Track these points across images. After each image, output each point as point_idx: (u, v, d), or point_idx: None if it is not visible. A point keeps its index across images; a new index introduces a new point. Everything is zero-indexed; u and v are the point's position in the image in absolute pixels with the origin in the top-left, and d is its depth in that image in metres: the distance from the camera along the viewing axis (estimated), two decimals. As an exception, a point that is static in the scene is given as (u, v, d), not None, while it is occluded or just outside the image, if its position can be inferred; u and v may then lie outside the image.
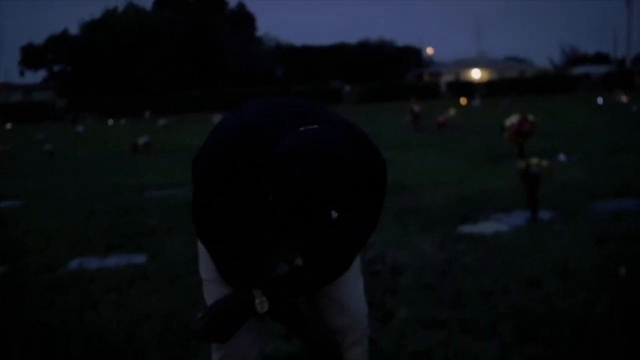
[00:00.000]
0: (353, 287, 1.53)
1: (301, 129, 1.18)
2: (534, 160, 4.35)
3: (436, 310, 2.66)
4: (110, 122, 28.92)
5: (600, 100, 19.72)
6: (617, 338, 2.27)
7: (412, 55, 56.42)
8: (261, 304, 1.38)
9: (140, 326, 2.69)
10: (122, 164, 10.02)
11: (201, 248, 1.52)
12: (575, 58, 58.66)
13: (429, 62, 59.98)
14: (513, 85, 35.83)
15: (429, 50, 68.75)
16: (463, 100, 27.72)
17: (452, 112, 15.34)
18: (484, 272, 3.15)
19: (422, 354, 2.24)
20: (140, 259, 3.85)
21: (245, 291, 1.41)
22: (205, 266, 1.52)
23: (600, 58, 57.84)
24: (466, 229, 4.16)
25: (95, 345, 2.53)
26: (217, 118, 21.95)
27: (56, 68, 52.32)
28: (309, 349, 1.45)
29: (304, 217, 1.10)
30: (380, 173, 1.32)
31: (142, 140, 11.91)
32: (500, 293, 2.83)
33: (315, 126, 1.19)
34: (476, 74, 48.24)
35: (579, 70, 43.08)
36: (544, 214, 4.36)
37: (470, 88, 36.43)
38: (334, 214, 1.09)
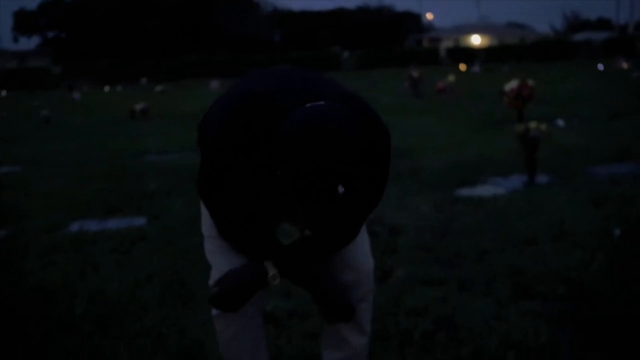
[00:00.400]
0: (360, 245, 1.55)
1: (308, 104, 1.19)
2: (533, 124, 4.34)
3: (434, 269, 2.70)
4: (107, 88, 28.66)
5: (600, 67, 19.55)
6: (610, 295, 2.32)
7: (412, 20, 55.60)
8: (274, 277, 1.40)
9: (142, 286, 2.73)
10: (120, 129, 9.97)
11: (203, 207, 1.54)
12: (577, 24, 57.91)
13: (429, 27, 59.17)
14: (513, 51, 35.42)
15: (429, 16, 67.79)
16: (462, 66, 27.46)
17: (451, 78, 15.22)
18: (482, 233, 3.18)
19: (419, 311, 2.28)
20: (140, 221, 3.87)
21: (253, 258, 1.42)
22: (207, 224, 1.54)
23: (602, 24, 57.06)
24: (464, 192, 4.18)
25: (97, 303, 2.57)
26: (214, 84, 21.77)
27: (50, 34, 51.55)
28: (321, 304, 1.47)
29: (311, 193, 1.12)
30: (385, 146, 1.34)
31: (139, 106, 11.83)
32: (497, 253, 2.87)
33: (322, 102, 1.20)
34: (476, 39, 47.64)
35: (580, 36, 42.58)
36: (542, 178, 4.38)
37: (470, 54, 36.04)
38: (341, 189, 1.11)
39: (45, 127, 11.55)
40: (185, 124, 9.82)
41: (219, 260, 1.48)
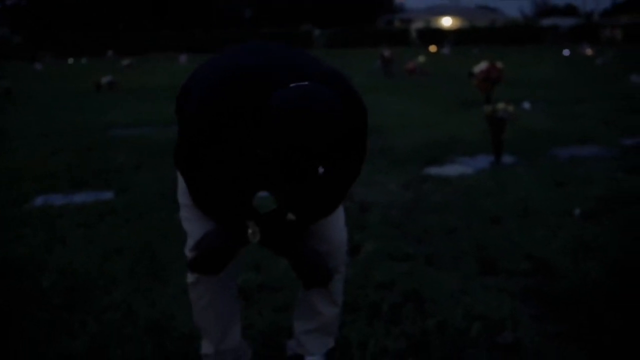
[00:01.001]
0: (335, 219, 1.58)
1: (293, 84, 1.19)
2: (501, 105, 4.43)
3: (402, 244, 2.76)
4: (71, 60, 27.80)
5: (566, 52, 19.96)
6: (571, 270, 2.42)
7: (384, 0, 55.40)
8: (254, 233, 1.40)
9: (111, 259, 2.71)
10: (85, 102, 9.73)
11: (179, 175, 1.53)
12: (545, 9, 58.74)
13: (400, 8, 59.10)
14: (483, 34, 35.78)
15: (401, -4, 67.49)
16: (433, 48, 27.62)
17: (421, 59, 15.30)
18: (449, 211, 3.26)
19: (387, 284, 2.34)
20: (108, 195, 3.82)
21: (231, 223, 1.43)
22: (183, 192, 1.54)
23: (569, 10, 58.04)
24: (433, 170, 4.25)
25: (66, 277, 2.54)
26: (183, 58, 21.37)
27: (9, 1, 49.37)
28: (299, 270, 1.49)
29: (292, 172, 1.14)
30: (364, 125, 1.36)
31: (105, 79, 11.55)
32: (463, 230, 2.95)
33: (307, 83, 1.20)
34: (447, 21, 47.85)
35: (548, 21, 43.22)
36: (507, 158, 4.49)
37: (440, 36, 36.23)
38: (320, 169, 1.13)
39: (4, 99, 11.16)
40: (154, 99, 9.65)
41: (195, 227, 1.48)
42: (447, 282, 2.36)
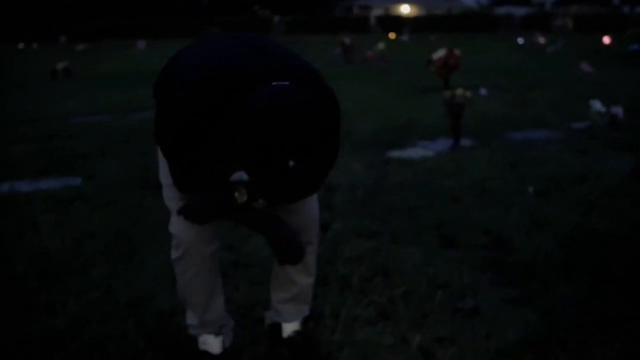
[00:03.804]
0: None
1: (274, 83, 1.27)
2: (459, 91, 4.62)
3: (368, 222, 2.90)
4: (21, 45, 26.80)
5: (520, 41, 20.50)
6: (524, 243, 2.61)
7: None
8: (241, 195, 1.48)
9: (85, 243, 2.75)
10: (40, 90, 9.48)
11: (160, 156, 1.60)
12: (499, -2, 59.83)
13: (359, -5, 59.09)
14: (440, 22, 36.32)
15: (359, -17, 67.48)
16: (392, 35, 27.88)
17: (381, 46, 15.48)
18: (411, 191, 3.42)
19: (355, 259, 2.47)
20: (75, 181, 3.82)
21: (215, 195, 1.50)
22: (165, 172, 1.61)
23: (523, 0, 59.35)
24: (394, 153, 4.42)
25: (40, 261, 2.57)
26: (141, 44, 20.91)
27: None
28: (273, 243, 1.59)
29: (264, 164, 1.22)
30: (336, 120, 1.44)
31: (61, 65, 11.25)
32: (425, 208, 3.12)
33: (287, 83, 1.28)
34: (405, 9, 48.30)
35: (502, 10, 44.16)
36: (465, 142, 4.70)
37: (399, 23, 36.58)
38: (291, 163, 1.22)
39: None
40: (113, 86, 9.49)
41: (179, 205, 1.56)
42: (412, 255, 2.51)
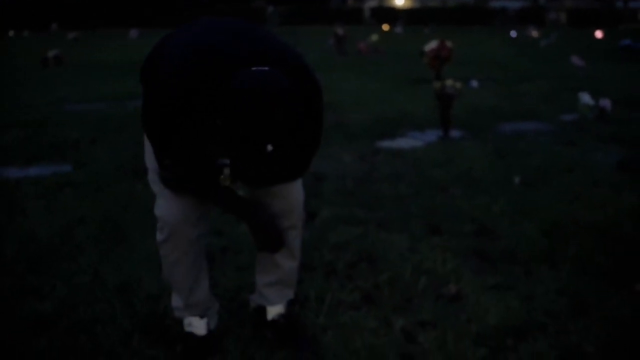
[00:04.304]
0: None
1: (254, 68, 1.29)
2: (449, 82, 4.65)
3: (355, 210, 2.93)
4: (11, 33, 26.53)
5: (513, 34, 20.53)
6: (508, 231, 2.65)
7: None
8: (225, 178, 1.50)
9: (74, 228, 2.76)
10: (32, 78, 9.42)
11: (146, 140, 1.62)
12: (494, -10, 59.71)
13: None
14: (434, 14, 36.30)
15: (354, -26, 67.13)
16: (386, 27, 27.83)
17: (374, 37, 15.47)
18: (400, 180, 3.45)
19: (341, 245, 2.51)
20: (65, 168, 3.82)
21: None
22: (150, 157, 1.63)
23: (517, -8, 59.24)
24: (385, 144, 4.44)
25: (29, 246, 2.58)
26: (134, 33, 20.74)
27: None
28: (254, 231, 1.62)
29: (241, 147, 1.25)
30: (319, 104, 1.46)
31: (52, 53, 11.17)
32: (413, 197, 3.15)
33: (267, 68, 1.30)
34: (399, 1, 48.21)
35: (496, 3, 44.16)
36: (455, 133, 4.73)
37: (393, 15, 36.53)
38: (269, 147, 1.25)
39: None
40: (105, 74, 9.44)
41: (163, 188, 1.58)
42: (397, 243, 2.55)
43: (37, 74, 9.92)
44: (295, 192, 1.72)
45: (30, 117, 5.64)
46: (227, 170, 1.49)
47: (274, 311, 1.82)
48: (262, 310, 1.85)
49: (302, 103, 1.31)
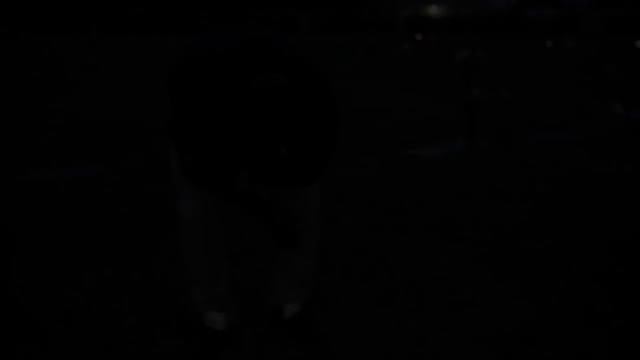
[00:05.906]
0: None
1: (271, 75, 1.34)
2: (479, 90, 4.65)
3: (376, 216, 2.97)
4: (54, 40, 27.39)
5: (549, 43, 20.25)
6: (527, 239, 2.66)
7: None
8: (243, 180, 1.57)
9: (104, 225, 2.88)
10: (72, 82, 9.74)
11: (171, 144, 1.69)
12: (530, 0, 59.00)
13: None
14: (468, 22, 36.05)
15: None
16: (419, 36, 27.79)
17: (406, 46, 15.48)
18: (423, 187, 3.48)
19: (360, 249, 2.55)
20: (99, 168, 3.98)
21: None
22: (176, 159, 1.70)
23: (553, 2, 58.41)
24: (410, 151, 4.47)
25: (59, 242, 2.71)
26: (170, 41, 21.18)
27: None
28: (270, 226, 1.68)
29: (256, 150, 1.31)
30: (332, 112, 1.49)
31: (92, 59, 11.49)
32: (434, 204, 3.17)
33: (281, 75, 1.35)
34: (434, 10, 48.03)
35: (531, 12, 43.57)
36: (482, 141, 4.72)
37: (427, 23, 36.43)
38: (283, 150, 1.31)
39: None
40: (141, 81, 9.70)
41: (187, 186, 1.66)
42: (415, 248, 2.58)
43: (76, 81, 10.26)
44: (311, 194, 1.77)
45: (64, 121, 5.86)
46: (244, 174, 1.56)
47: (289, 309, 1.88)
48: (278, 308, 1.91)
49: (314, 107, 1.37)
